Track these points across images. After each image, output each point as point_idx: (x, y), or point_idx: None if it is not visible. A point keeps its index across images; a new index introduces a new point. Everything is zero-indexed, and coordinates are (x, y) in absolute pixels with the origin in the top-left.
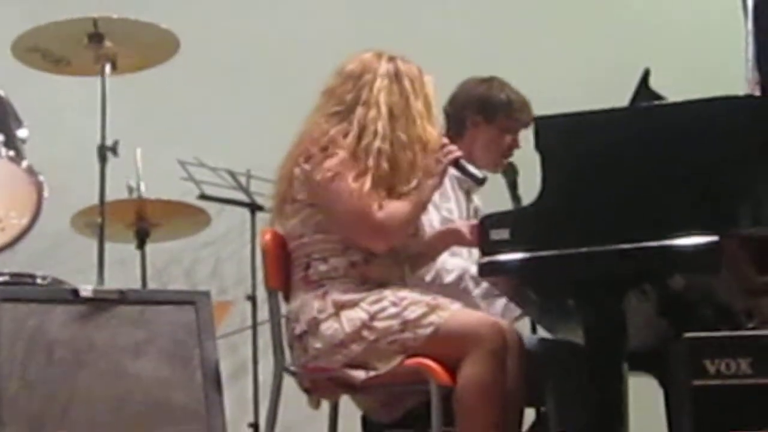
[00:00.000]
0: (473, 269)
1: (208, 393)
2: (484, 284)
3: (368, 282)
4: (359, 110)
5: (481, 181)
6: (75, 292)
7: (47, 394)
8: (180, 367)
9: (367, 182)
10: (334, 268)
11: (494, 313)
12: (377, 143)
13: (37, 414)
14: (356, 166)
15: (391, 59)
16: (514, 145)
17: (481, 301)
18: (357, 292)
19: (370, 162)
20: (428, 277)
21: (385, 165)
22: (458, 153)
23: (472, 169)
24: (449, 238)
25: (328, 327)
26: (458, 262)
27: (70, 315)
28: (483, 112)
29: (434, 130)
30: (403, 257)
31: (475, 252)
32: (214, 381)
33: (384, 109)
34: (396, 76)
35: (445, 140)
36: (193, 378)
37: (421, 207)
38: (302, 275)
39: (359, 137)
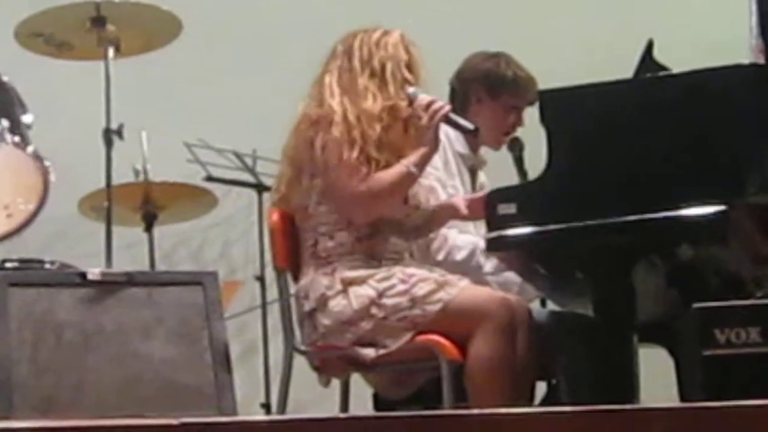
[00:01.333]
0: (483, 244)
1: (217, 373)
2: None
3: (376, 257)
4: (326, 92)
5: (474, 132)
6: (83, 275)
7: (57, 377)
8: (189, 347)
9: (354, 154)
10: (340, 243)
11: (513, 283)
12: (341, 124)
13: (48, 397)
14: (345, 142)
15: (354, 36)
16: (518, 123)
17: (494, 275)
18: (365, 268)
19: (356, 135)
20: (440, 256)
21: (361, 141)
22: (446, 108)
23: (462, 121)
24: (446, 212)
25: (336, 304)
26: (469, 238)
27: (78, 298)
28: (488, 88)
29: (397, 88)
30: (408, 229)
31: (482, 227)
32: (223, 361)
33: (336, 90)
34: (348, 54)
35: (428, 98)
36: (202, 358)
37: (409, 176)
38: (311, 252)
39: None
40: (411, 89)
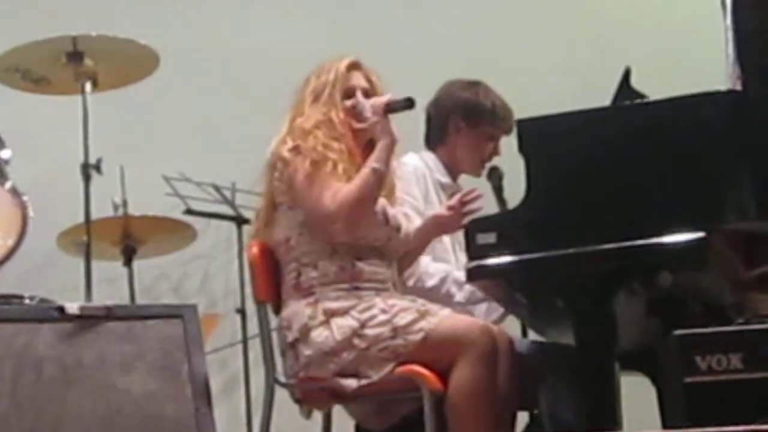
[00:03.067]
0: (456, 273)
1: (198, 406)
2: (467, 288)
3: (360, 287)
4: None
5: (412, 103)
6: (61, 309)
7: (37, 412)
8: (169, 380)
9: (326, 169)
10: (323, 274)
11: (477, 315)
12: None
13: None
14: (309, 168)
15: (315, 69)
16: (495, 152)
17: (464, 305)
18: (347, 299)
19: (315, 155)
20: (410, 282)
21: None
22: (383, 99)
23: (401, 100)
24: (430, 225)
25: (319, 334)
26: (440, 266)
27: (57, 333)
28: (467, 118)
29: (330, 104)
30: (391, 257)
31: (462, 258)
32: (203, 394)
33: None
34: (304, 86)
35: (370, 101)
36: (182, 391)
37: (375, 174)
38: (293, 283)
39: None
40: (360, 104)
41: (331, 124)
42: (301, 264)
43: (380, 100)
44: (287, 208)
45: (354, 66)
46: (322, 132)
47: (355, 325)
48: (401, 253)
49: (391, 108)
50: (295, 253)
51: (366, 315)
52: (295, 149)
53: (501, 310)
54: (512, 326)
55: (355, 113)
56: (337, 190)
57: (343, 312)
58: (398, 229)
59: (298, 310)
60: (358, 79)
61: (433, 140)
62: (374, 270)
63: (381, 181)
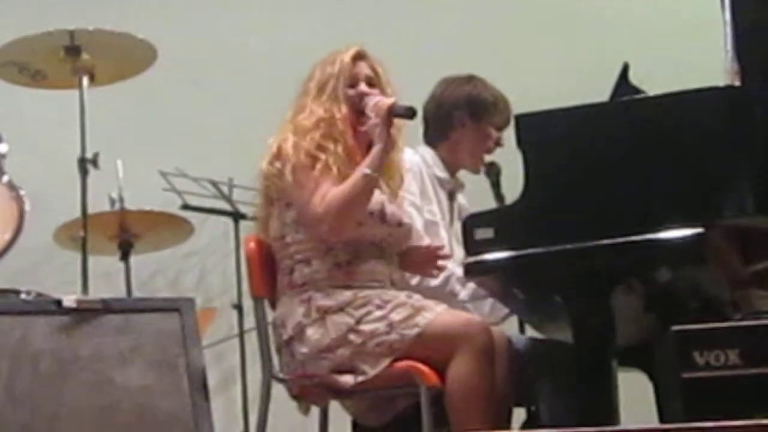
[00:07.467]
0: (459, 271)
1: (195, 400)
2: (471, 286)
3: (354, 285)
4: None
5: (413, 114)
6: (58, 302)
7: (34, 406)
8: (166, 374)
9: (314, 173)
10: (317, 270)
11: (481, 313)
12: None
13: (24, 426)
14: (304, 167)
15: (320, 61)
16: (499, 143)
17: (468, 303)
18: (341, 296)
19: (306, 158)
20: (414, 281)
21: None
22: (388, 101)
23: (404, 107)
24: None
25: (314, 332)
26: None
27: (53, 326)
28: (471, 112)
29: (332, 99)
30: (392, 253)
31: (459, 252)
32: (200, 388)
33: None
34: (308, 79)
35: (374, 99)
36: (179, 385)
37: (365, 178)
38: (287, 280)
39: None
40: (366, 99)
41: (332, 122)
42: (296, 261)
43: (385, 101)
44: (284, 205)
45: (359, 56)
46: (319, 132)
47: (350, 321)
48: (403, 247)
49: (396, 113)
50: (290, 250)
51: (361, 311)
52: (278, 156)
53: (505, 310)
54: (510, 322)
55: (358, 104)
56: (326, 192)
57: (338, 308)
58: (399, 224)
59: (291, 308)
60: (362, 69)
61: (434, 137)
62: (371, 269)
63: (372, 187)
